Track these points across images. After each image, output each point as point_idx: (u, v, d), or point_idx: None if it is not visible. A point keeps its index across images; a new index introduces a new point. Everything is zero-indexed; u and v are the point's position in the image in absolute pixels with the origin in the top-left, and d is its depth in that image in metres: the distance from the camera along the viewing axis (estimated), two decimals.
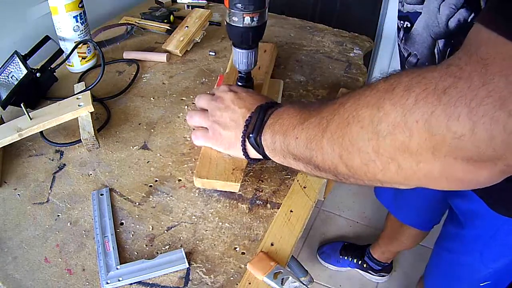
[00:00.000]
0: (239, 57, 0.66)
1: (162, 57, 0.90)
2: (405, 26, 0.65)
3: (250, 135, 0.55)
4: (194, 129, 0.64)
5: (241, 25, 0.61)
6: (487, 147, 0.31)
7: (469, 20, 0.53)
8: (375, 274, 1.51)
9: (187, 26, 0.98)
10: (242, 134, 0.56)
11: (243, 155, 0.57)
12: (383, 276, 1.52)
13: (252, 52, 0.66)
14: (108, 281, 0.50)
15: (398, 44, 0.73)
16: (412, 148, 0.35)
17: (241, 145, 0.57)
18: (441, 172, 0.35)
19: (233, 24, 0.61)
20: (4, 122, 0.70)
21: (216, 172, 0.59)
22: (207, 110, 0.62)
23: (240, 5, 0.59)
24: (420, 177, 0.37)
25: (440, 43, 0.59)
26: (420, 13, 0.60)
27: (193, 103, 0.77)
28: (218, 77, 0.79)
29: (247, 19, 0.60)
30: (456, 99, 0.32)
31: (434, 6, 0.57)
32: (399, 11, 0.68)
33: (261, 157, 0.56)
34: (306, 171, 0.50)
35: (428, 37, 0.61)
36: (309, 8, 1.48)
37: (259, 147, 0.54)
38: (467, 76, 0.32)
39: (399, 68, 0.80)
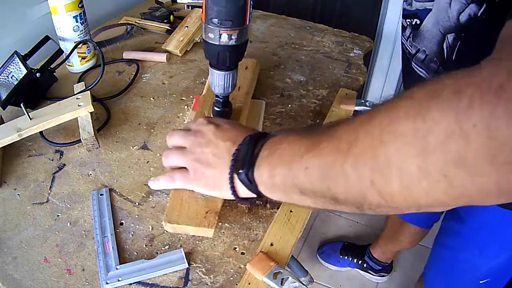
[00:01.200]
0: (215, 79, 0.60)
1: (162, 57, 0.90)
2: (413, 23, 0.66)
3: (240, 171, 0.47)
4: (167, 169, 0.56)
5: (217, 43, 0.54)
6: None
7: (479, 14, 0.54)
8: (375, 274, 1.51)
9: (187, 26, 0.98)
10: (229, 170, 0.49)
11: (232, 194, 0.49)
12: (383, 276, 1.52)
13: (230, 74, 0.59)
14: (108, 281, 0.50)
15: (402, 43, 0.73)
16: (469, 159, 0.30)
17: (229, 184, 0.49)
18: (497, 183, 0.30)
19: (208, 41, 0.55)
20: (4, 122, 0.70)
21: (188, 216, 0.54)
22: (184, 147, 0.54)
23: (216, 20, 0.52)
24: (472, 194, 0.32)
25: (450, 37, 0.60)
26: (430, 9, 0.61)
27: (192, 102, 0.77)
28: (194, 99, 0.76)
29: (224, 37, 0.53)
30: None
31: (444, 2, 0.58)
32: (404, 9, 0.68)
33: (252, 195, 0.48)
34: (315, 206, 0.43)
35: (437, 33, 0.61)
36: (309, 8, 1.48)
37: (251, 184, 0.46)
38: None
39: (401, 67, 0.80)
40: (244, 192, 0.49)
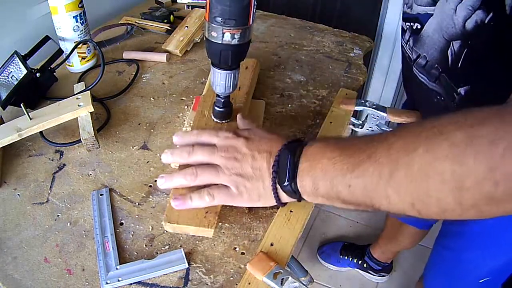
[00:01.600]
0: (217, 78, 0.59)
1: (162, 57, 0.90)
2: (414, 27, 0.64)
3: (285, 184, 0.49)
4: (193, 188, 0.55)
5: (220, 42, 0.54)
6: None
7: (486, 21, 0.52)
8: (375, 274, 1.52)
9: (187, 26, 0.98)
10: (271, 182, 0.51)
11: (276, 202, 0.52)
12: (383, 276, 1.52)
13: (232, 74, 0.59)
14: (108, 281, 0.50)
15: (402, 46, 0.71)
16: (498, 197, 0.35)
17: (274, 194, 0.51)
18: None
19: (211, 39, 0.55)
20: (4, 122, 0.70)
21: (188, 216, 0.54)
22: (215, 164, 0.54)
23: (220, 18, 0.52)
24: (497, 214, 0.38)
25: (456, 44, 0.57)
26: (431, 15, 0.59)
27: (192, 102, 0.77)
28: (194, 99, 0.76)
29: (227, 36, 0.54)
30: None
31: (449, 8, 0.55)
32: (404, 13, 0.67)
33: (294, 200, 0.52)
34: (357, 210, 0.47)
35: (440, 39, 0.59)
36: (309, 8, 1.48)
37: (296, 193, 0.49)
38: None
39: (400, 69, 0.79)
40: (286, 198, 0.52)
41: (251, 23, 0.54)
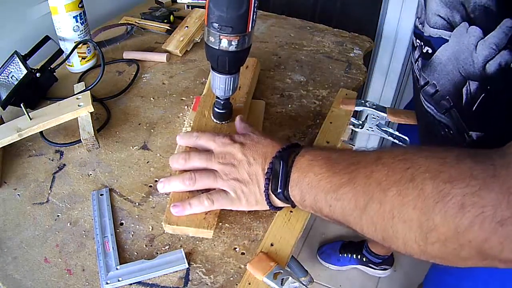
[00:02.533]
0: (216, 82, 0.59)
1: (162, 57, 0.90)
2: (425, 51, 0.55)
3: (278, 191, 0.51)
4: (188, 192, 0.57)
5: (217, 48, 0.53)
6: None
7: None
8: (376, 268, 1.51)
9: (187, 26, 0.98)
10: (264, 188, 0.52)
11: (269, 207, 0.54)
12: (385, 269, 1.51)
13: (231, 78, 0.58)
14: (108, 281, 0.50)
15: (412, 63, 0.62)
16: (463, 256, 0.35)
17: (266, 199, 0.53)
18: (487, 265, 0.36)
19: (209, 44, 0.54)
20: (4, 122, 0.70)
21: (187, 217, 0.54)
22: (212, 170, 0.56)
23: (216, 24, 0.51)
24: (468, 266, 0.37)
25: (473, 85, 0.48)
26: (446, 40, 0.49)
27: (192, 103, 0.77)
28: (194, 100, 0.76)
29: (224, 42, 0.53)
30: None
31: (469, 42, 0.46)
32: (416, 27, 0.57)
33: (288, 205, 0.53)
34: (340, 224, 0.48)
35: (455, 72, 0.49)
36: (309, 8, 1.47)
37: (288, 200, 0.51)
38: None
39: (400, 69, 0.74)
40: (280, 203, 0.54)
41: (250, 30, 0.53)
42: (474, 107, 0.49)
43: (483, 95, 0.47)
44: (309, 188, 0.47)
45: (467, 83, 0.48)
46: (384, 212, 0.40)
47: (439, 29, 0.50)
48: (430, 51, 0.53)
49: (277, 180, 0.50)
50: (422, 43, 0.55)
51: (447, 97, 0.52)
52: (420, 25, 0.55)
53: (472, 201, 0.33)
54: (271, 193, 0.52)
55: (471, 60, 0.46)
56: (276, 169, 0.51)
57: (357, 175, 0.43)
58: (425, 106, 0.58)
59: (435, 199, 0.35)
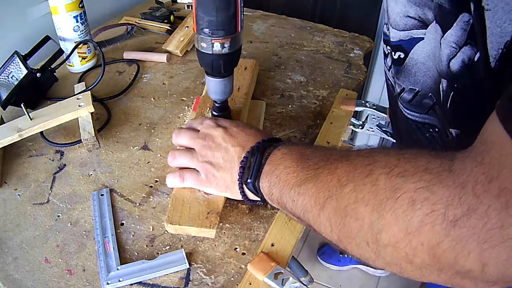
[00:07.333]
0: (211, 86, 0.59)
1: (163, 57, 0.90)
2: (396, 57, 0.53)
3: (248, 181, 0.50)
4: (174, 169, 0.58)
5: (211, 52, 0.54)
6: (498, 279, 0.29)
7: (475, 59, 0.40)
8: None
9: (188, 26, 0.98)
10: (238, 177, 0.52)
11: (242, 198, 0.53)
12: None
13: (226, 80, 0.58)
14: (109, 282, 0.50)
15: (385, 71, 0.61)
16: (416, 263, 0.32)
17: (239, 189, 0.52)
18: (447, 282, 0.33)
19: (201, 50, 0.54)
20: (4, 122, 0.70)
21: (189, 217, 0.54)
22: (192, 149, 0.57)
23: (207, 30, 0.52)
24: (429, 281, 0.34)
25: (444, 82, 0.46)
26: (421, 38, 0.48)
27: (193, 103, 0.77)
28: (194, 100, 0.76)
29: (217, 46, 0.53)
30: (467, 236, 0.28)
31: (436, 40, 0.45)
32: (384, 34, 0.57)
33: (259, 199, 0.52)
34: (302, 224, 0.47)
35: (435, 69, 0.48)
36: (309, 8, 1.48)
37: (257, 192, 0.50)
38: (484, 212, 0.27)
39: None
40: (252, 196, 0.53)
41: (239, 30, 0.54)
42: (448, 105, 0.48)
43: (452, 93, 0.46)
44: (277, 181, 0.46)
45: (441, 81, 0.47)
46: (339, 209, 0.37)
47: (410, 30, 0.49)
48: (402, 55, 0.52)
49: (250, 170, 0.50)
50: (391, 50, 0.54)
51: (430, 94, 0.51)
52: (388, 30, 0.54)
53: (423, 197, 0.30)
54: (244, 184, 0.52)
55: (440, 58, 0.45)
56: (251, 159, 0.50)
57: (322, 171, 0.41)
58: (405, 113, 0.56)
59: (386, 195, 0.33)
